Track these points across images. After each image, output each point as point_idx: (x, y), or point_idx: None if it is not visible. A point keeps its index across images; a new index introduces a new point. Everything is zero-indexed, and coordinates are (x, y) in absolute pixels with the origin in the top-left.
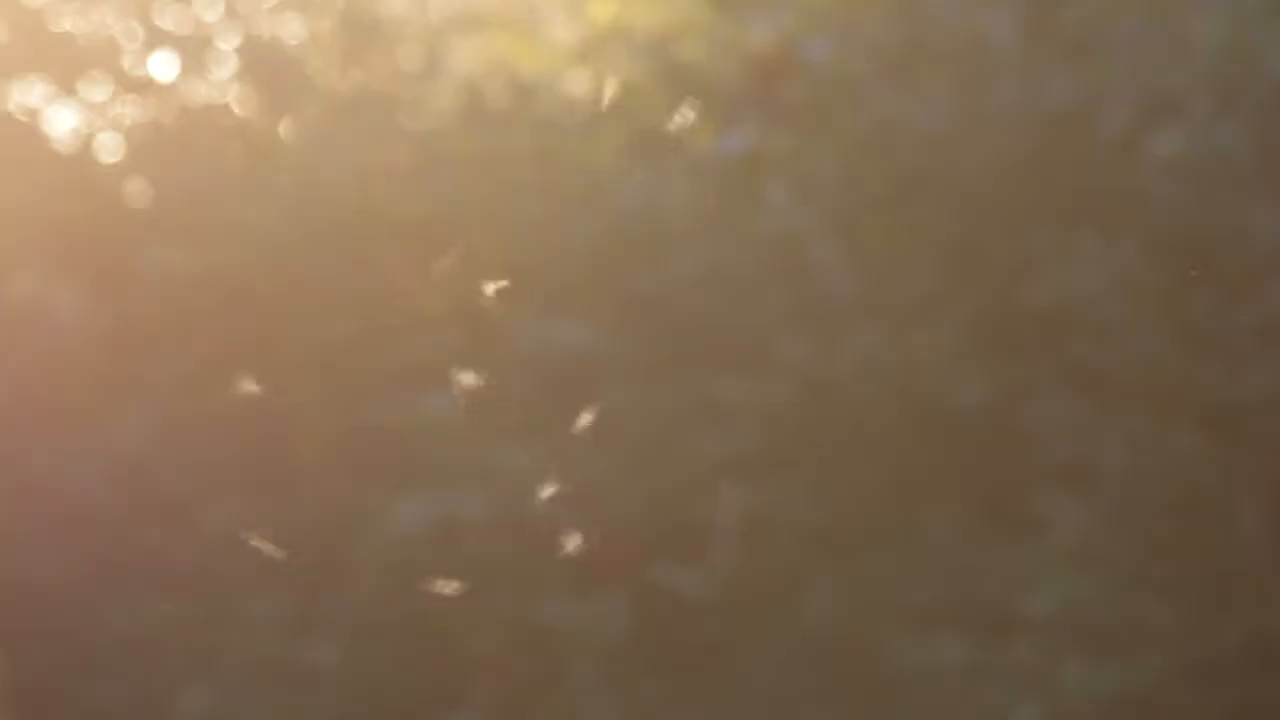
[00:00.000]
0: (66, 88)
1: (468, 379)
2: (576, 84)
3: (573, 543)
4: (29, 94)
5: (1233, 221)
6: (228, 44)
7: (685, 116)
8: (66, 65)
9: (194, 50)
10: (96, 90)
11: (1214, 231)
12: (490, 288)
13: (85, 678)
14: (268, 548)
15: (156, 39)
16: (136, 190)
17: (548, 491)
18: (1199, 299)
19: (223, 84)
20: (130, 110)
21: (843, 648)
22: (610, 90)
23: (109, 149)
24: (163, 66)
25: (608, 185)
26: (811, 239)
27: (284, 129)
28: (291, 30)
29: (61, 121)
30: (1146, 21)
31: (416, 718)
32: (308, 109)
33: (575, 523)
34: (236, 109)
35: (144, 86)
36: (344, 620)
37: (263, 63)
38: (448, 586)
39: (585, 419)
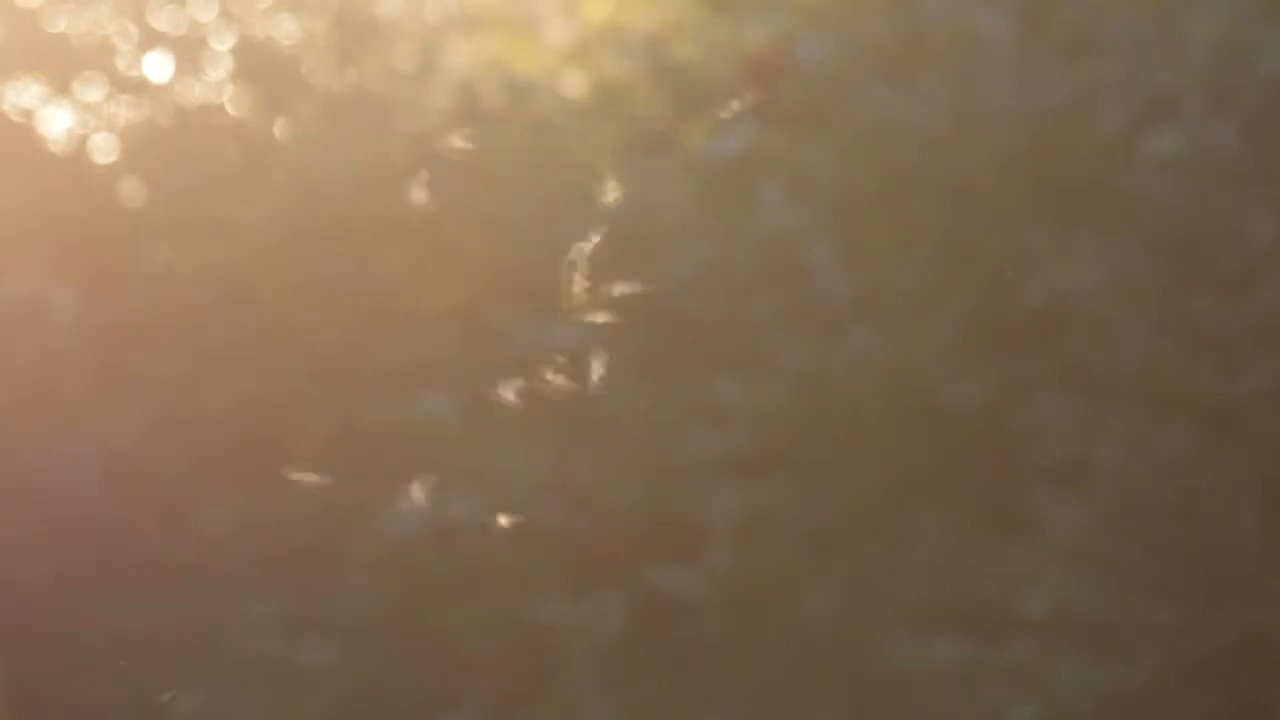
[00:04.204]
0: (61, 88)
1: (464, 379)
2: (572, 84)
3: (568, 543)
4: (24, 94)
5: (1229, 221)
6: (222, 44)
7: (680, 116)
8: (61, 65)
9: (189, 51)
10: (91, 90)
11: (1210, 231)
12: (485, 288)
13: (81, 677)
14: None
15: (151, 39)
16: (131, 190)
17: (543, 492)
18: (1195, 298)
19: (218, 84)
20: (125, 110)
21: (839, 647)
22: (604, 90)
23: (104, 149)
24: (157, 67)
25: (603, 185)
26: (807, 238)
27: (279, 129)
28: (286, 30)
29: (56, 122)
30: (1143, 21)
31: (413, 718)
32: (303, 109)
33: (571, 523)
34: (231, 109)
35: (139, 87)
36: (340, 620)
37: (258, 63)
38: (444, 587)
39: (580, 418)
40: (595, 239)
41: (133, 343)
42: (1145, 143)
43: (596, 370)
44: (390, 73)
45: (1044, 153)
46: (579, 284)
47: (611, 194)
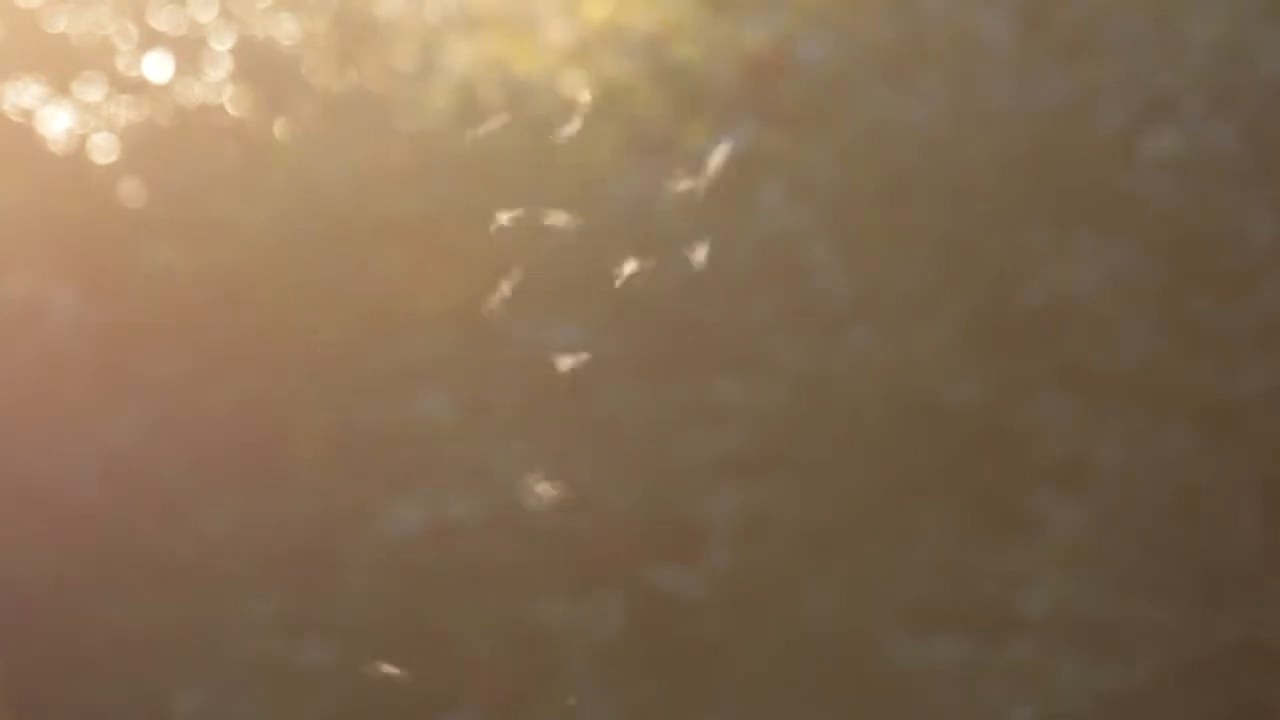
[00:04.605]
0: (62, 88)
1: (463, 379)
2: (571, 84)
3: (568, 543)
4: (24, 94)
5: (1228, 221)
6: (222, 44)
7: (680, 116)
8: (62, 66)
9: (189, 51)
10: (92, 91)
11: (1209, 231)
12: (484, 288)
13: (82, 677)
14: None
15: (151, 40)
16: (131, 190)
17: (543, 492)
18: (1195, 298)
19: (217, 84)
20: (125, 111)
21: (839, 647)
22: (604, 90)
23: (104, 149)
24: (157, 67)
25: (602, 185)
26: (807, 239)
27: (279, 129)
28: (286, 31)
29: (57, 122)
30: (1142, 21)
31: (412, 718)
32: (302, 109)
33: (571, 523)
34: (231, 109)
35: (139, 87)
36: (340, 620)
37: (257, 63)
38: (443, 587)
39: (580, 418)
40: (594, 239)
41: (133, 343)
42: (1145, 143)
43: (596, 370)
44: (390, 73)
45: (1044, 153)
46: (577, 284)
47: (611, 194)
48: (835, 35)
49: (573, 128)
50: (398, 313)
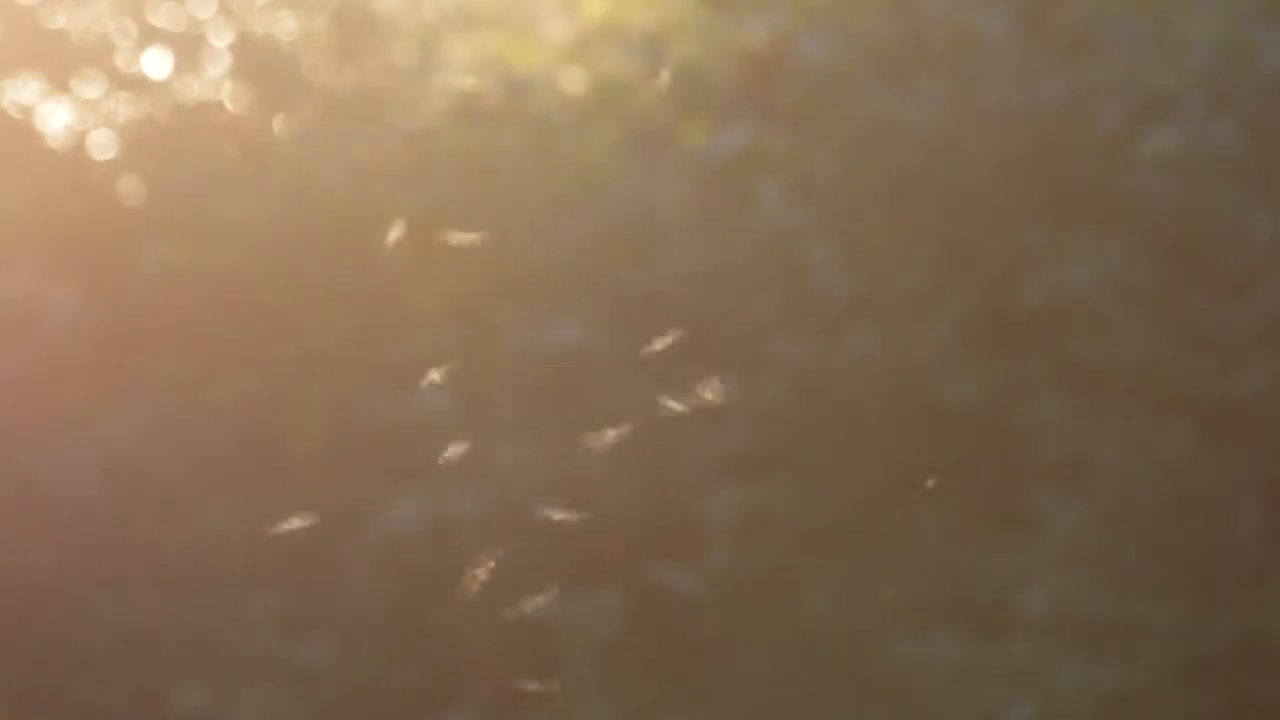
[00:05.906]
0: (60, 85)
1: (463, 377)
2: (571, 82)
3: (568, 542)
4: (23, 91)
5: (1228, 220)
6: (221, 41)
7: (680, 115)
8: (60, 62)
9: (188, 47)
10: (90, 87)
11: (1209, 230)
12: (485, 286)
13: (81, 676)
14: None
15: (150, 36)
16: (130, 188)
17: (542, 490)
18: (1194, 297)
19: (217, 81)
20: (124, 108)
21: (838, 646)
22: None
23: (103, 146)
24: (157, 64)
25: (602, 184)
26: (806, 238)
27: (278, 126)
28: (285, 27)
29: (55, 119)
30: (1141, 20)
31: (412, 715)
32: (302, 106)
33: (571, 522)
34: (231, 106)
35: (138, 84)
36: (340, 618)
37: (257, 60)
38: (443, 584)
39: (581, 419)
40: (594, 237)
41: (133, 343)
42: (1145, 142)
43: (594, 368)
44: (389, 70)
45: (1044, 153)
46: (577, 282)
47: (610, 192)
48: (835, 35)
49: (572, 126)
50: (397, 312)
